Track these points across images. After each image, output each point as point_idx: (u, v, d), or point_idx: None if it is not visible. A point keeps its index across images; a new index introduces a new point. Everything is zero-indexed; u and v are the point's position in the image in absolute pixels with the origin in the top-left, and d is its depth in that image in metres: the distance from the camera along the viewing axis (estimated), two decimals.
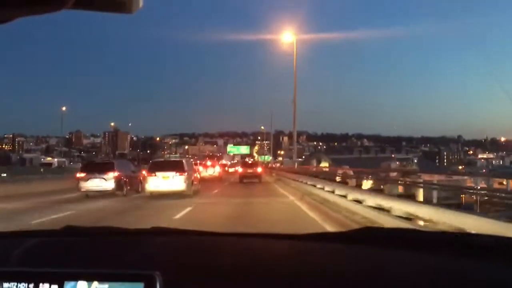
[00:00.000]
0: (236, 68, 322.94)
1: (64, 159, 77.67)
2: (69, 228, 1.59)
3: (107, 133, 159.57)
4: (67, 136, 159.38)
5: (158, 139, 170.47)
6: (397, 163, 50.73)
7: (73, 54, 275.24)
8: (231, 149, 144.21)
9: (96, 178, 18.07)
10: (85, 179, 18.11)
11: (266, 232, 1.53)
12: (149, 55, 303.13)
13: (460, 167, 69.75)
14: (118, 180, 18.32)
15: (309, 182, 20.17)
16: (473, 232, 5.52)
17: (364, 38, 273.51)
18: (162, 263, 1.17)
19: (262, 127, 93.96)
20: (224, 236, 1.55)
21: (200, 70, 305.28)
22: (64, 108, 76.73)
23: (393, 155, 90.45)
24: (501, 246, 1.24)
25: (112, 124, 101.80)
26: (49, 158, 78.64)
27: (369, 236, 1.40)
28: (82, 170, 18.93)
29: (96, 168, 18.66)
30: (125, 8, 0.60)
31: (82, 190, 17.98)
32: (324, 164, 48.02)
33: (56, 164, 61.86)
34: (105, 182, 18.06)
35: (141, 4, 0.62)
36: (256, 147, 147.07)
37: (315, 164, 46.67)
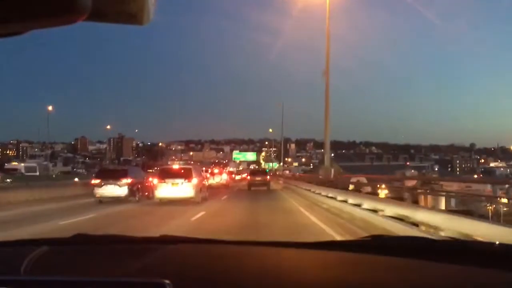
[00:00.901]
0: (243, 75, 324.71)
1: (34, 164, 51.97)
2: (79, 236, 1.61)
3: (112, 139, 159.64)
4: (72, 142, 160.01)
5: (160, 144, 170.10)
6: (412, 171, 50.38)
7: (80, 60, 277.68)
8: (237, 155, 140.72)
9: (110, 184, 18.19)
10: (100, 185, 18.25)
11: (275, 240, 1.55)
12: (155, 62, 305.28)
13: (475, 176, 69.10)
14: (131, 187, 18.55)
15: (339, 198, 14.14)
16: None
17: (374, 50, 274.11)
18: (172, 271, 1.17)
19: (270, 130, 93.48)
20: (234, 244, 1.58)
21: (207, 77, 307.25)
22: (50, 108, 68.37)
23: (407, 163, 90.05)
24: None
25: (108, 127, 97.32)
26: (14, 163, 56.34)
27: (379, 244, 1.40)
28: (96, 177, 19.10)
29: (110, 175, 18.82)
30: (136, 20, 0.61)
31: (96, 196, 18.14)
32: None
33: (22, 170, 42.61)
34: (119, 189, 18.22)
35: (152, 16, 0.62)
36: (263, 154, 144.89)
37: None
